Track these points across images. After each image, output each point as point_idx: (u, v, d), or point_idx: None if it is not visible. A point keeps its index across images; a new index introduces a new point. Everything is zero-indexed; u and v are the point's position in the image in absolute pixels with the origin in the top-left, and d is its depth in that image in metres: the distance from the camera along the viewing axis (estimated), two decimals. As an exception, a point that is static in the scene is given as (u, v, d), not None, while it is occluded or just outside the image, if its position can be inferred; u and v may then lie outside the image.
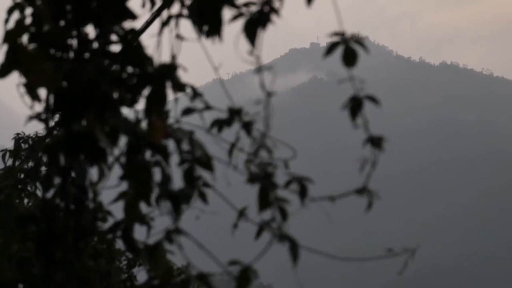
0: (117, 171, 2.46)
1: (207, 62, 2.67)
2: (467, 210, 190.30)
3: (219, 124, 2.71)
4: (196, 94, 2.65)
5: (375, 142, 2.58)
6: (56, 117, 2.46)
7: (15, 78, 2.47)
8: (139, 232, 2.59)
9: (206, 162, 2.58)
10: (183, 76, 2.54)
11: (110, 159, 2.43)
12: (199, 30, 2.48)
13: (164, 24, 2.55)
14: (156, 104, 2.47)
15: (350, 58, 2.52)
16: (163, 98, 2.48)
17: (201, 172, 2.59)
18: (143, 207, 2.50)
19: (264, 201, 2.58)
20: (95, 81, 2.39)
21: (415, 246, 2.82)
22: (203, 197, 2.65)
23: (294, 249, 2.54)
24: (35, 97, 2.44)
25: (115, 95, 2.43)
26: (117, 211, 2.64)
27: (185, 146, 2.55)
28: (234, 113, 2.70)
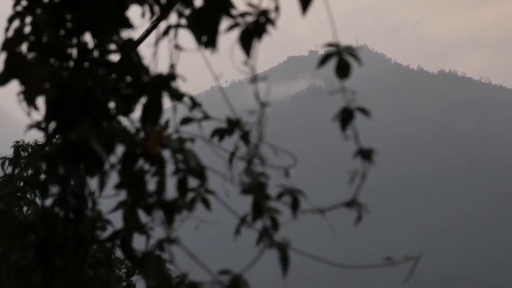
0: (116, 180, 2.47)
1: (205, 70, 2.68)
2: (467, 217, 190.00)
3: (220, 134, 2.71)
4: (194, 103, 2.66)
5: (365, 154, 2.57)
6: (54, 125, 2.47)
7: (13, 84, 2.48)
8: (139, 241, 2.59)
9: (200, 172, 2.59)
10: (181, 85, 2.55)
11: (108, 167, 2.43)
12: (198, 40, 2.48)
13: (163, 34, 2.56)
14: (152, 114, 2.48)
15: (343, 70, 2.50)
16: (159, 108, 2.49)
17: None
18: (143, 216, 2.51)
19: (258, 212, 2.59)
20: (92, 90, 2.40)
21: (416, 254, 2.82)
22: (206, 204, 2.66)
23: (285, 259, 2.54)
24: (33, 105, 2.45)
25: (111, 104, 2.44)
26: (116, 220, 2.64)
27: (180, 156, 2.56)
28: (234, 124, 2.70)
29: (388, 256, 2.70)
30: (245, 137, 2.68)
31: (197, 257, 2.60)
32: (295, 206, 2.62)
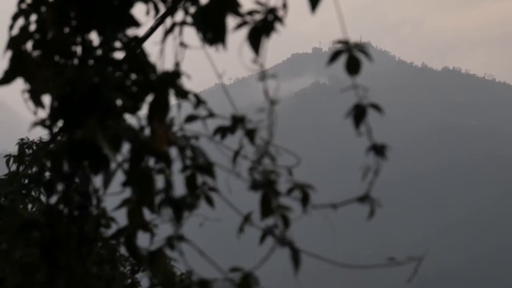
0: (120, 177, 2.47)
1: (210, 67, 2.68)
2: (470, 215, 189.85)
3: (222, 131, 2.71)
4: (199, 101, 2.66)
5: (379, 150, 2.57)
6: (60, 123, 2.47)
7: (19, 82, 2.48)
8: (143, 239, 2.59)
9: (208, 169, 2.59)
10: (186, 82, 2.55)
11: (113, 165, 2.44)
12: (203, 37, 2.48)
13: (168, 31, 2.56)
14: (159, 112, 2.48)
15: (353, 67, 2.51)
16: (166, 105, 2.49)
17: (205, 178, 2.60)
18: (147, 214, 2.51)
19: (267, 208, 2.58)
20: (98, 88, 2.40)
21: (420, 252, 2.82)
22: (209, 202, 2.66)
23: (296, 256, 2.54)
24: (38, 103, 2.45)
25: (118, 102, 2.44)
26: (121, 217, 2.65)
27: (188, 153, 2.56)
28: (237, 121, 2.70)
29: (391, 256, 2.69)
30: (250, 134, 2.68)
31: (206, 254, 2.60)
32: (305, 201, 2.62)
